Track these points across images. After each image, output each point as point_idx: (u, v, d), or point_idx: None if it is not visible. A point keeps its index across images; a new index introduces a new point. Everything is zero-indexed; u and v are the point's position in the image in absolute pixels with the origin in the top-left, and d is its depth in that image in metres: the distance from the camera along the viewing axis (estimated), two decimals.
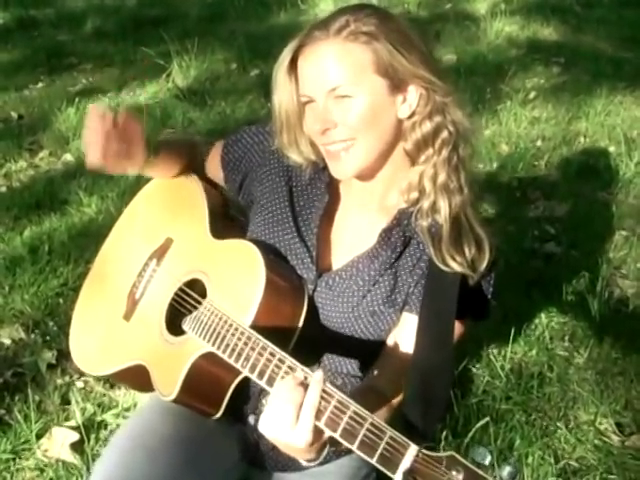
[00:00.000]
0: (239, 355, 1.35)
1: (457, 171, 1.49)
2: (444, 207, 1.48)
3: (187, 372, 1.46)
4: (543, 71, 4.99)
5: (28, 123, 4.42)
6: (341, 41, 1.42)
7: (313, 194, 1.62)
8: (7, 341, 2.70)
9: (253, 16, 6.10)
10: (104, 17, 5.93)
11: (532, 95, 4.60)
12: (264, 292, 1.44)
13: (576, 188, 3.62)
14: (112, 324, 1.74)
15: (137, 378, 1.62)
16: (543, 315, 2.72)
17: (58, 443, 2.24)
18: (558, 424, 2.27)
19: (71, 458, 2.20)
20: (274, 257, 1.55)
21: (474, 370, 2.47)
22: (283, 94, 1.51)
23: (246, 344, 1.35)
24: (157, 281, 1.70)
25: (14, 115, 4.51)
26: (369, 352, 1.57)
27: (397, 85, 1.45)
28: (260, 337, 1.34)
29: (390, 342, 1.56)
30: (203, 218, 1.70)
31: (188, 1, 6.43)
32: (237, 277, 1.51)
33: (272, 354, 1.31)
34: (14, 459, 2.23)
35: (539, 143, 4.07)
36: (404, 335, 1.53)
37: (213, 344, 1.41)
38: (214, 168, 1.79)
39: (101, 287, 1.86)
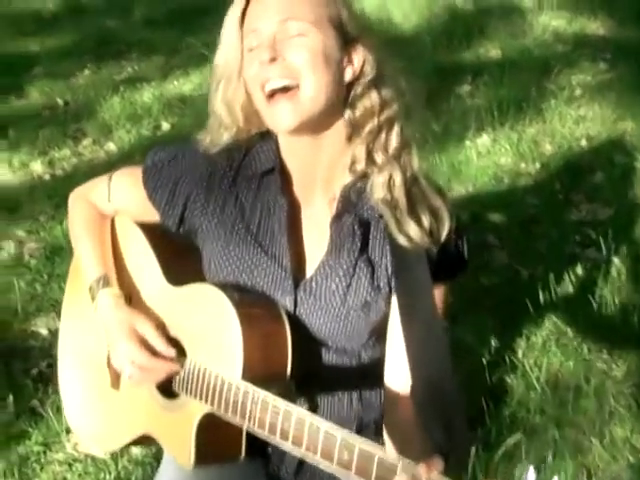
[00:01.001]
0: (243, 413, 1.31)
1: (408, 143, 1.43)
2: (399, 179, 1.41)
3: (196, 438, 1.41)
4: (589, 67, 4.88)
5: (73, 110, 4.46)
6: None
7: (267, 203, 1.49)
8: (44, 331, 2.73)
9: None
10: (152, 5, 5.94)
11: (577, 93, 4.50)
12: (243, 335, 1.35)
13: (620, 191, 3.54)
14: (103, 396, 1.65)
15: (150, 442, 1.59)
16: (582, 324, 2.66)
17: None
18: (592, 440, 2.23)
19: (100, 454, 2.22)
20: (239, 293, 1.44)
21: (508, 380, 2.43)
22: (229, 41, 1.41)
23: (246, 400, 1.30)
24: None
25: (60, 102, 4.55)
26: (369, 348, 1.53)
27: (346, 44, 1.40)
28: (257, 389, 1.29)
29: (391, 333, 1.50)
30: (154, 265, 1.57)
31: None
32: (209, 326, 1.42)
33: (275, 406, 1.26)
34: (44, 451, 2.27)
35: (583, 143, 3.99)
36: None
37: (212, 404, 1.37)
38: (136, 203, 1.60)
39: (77, 358, 1.76)
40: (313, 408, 1.51)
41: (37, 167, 3.82)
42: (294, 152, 1.48)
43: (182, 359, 1.46)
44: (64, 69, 4.96)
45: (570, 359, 2.52)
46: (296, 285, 1.47)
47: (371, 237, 1.47)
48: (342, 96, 1.42)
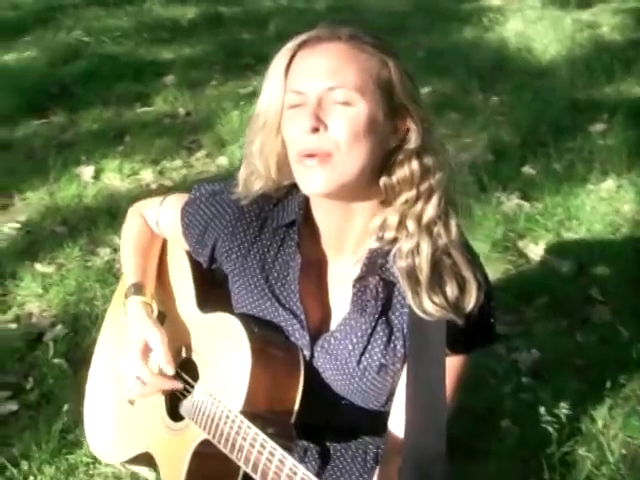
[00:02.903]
0: (233, 446, 1.30)
1: (446, 213, 1.38)
2: (426, 249, 1.36)
3: (189, 464, 1.42)
4: None
5: (193, 121, 4.52)
6: (351, 46, 1.35)
7: (286, 256, 1.49)
8: None
9: (437, 30, 5.95)
10: (289, 19, 5.96)
11: None
12: (252, 370, 1.36)
13: None
14: (119, 409, 1.69)
15: (151, 462, 1.59)
16: None
17: None
18: None
19: (145, 472, 2.19)
20: (261, 329, 1.45)
21: (580, 452, 2.24)
22: (273, 92, 1.37)
23: (238, 433, 1.31)
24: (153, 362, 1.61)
25: (182, 112, 4.62)
26: (381, 411, 1.49)
27: (392, 111, 1.35)
28: (251, 425, 1.29)
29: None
30: (190, 289, 1.63)
31: (375, 9, 6.36)
32: (224, 356, 1.44)
33: (263, 445, 1.24)
34: (93, 463, 2.26)
35: None
36: None
37: (209, 432, 1.36)
38: (176, 235, 1.67)
39: (105, 369, 1.84)
40: (324, 459, 1.53)
41: (147, 175, 3.88)
42: (323, 211, 1.45)
43: (191, 383, 1.51)
44: (193, 79, 5.03)
45: None
46: (315, 339, 1.47)
47: (394, 299, 1.43)
48: (381, 163, 1.37)
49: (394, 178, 1.38)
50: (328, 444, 1.56)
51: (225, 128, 4.35)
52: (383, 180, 1.39)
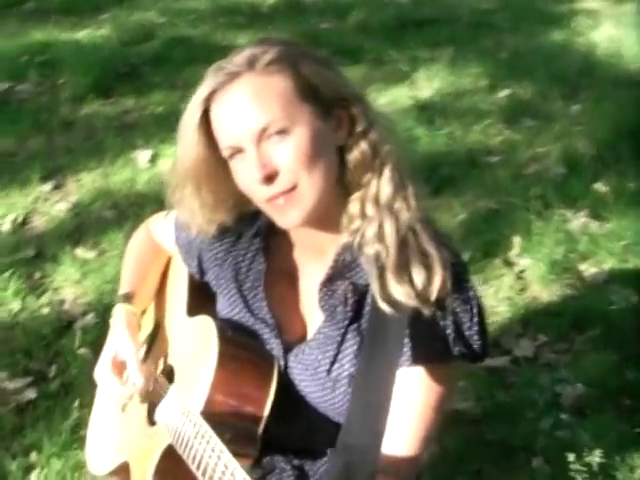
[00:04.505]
0: (190, 450, 1.27)
1: (403, 185, 1.31)
2: (389, 228, 1.28)
3: (155, 469, 1.37)
4: None
5: None
6: (256, 75, 1.27)
7: (254, 262, 1.46)
8: None
9: (523, 31, 5.70)
10: (370, 11, 5.81)
11: None
12: (217, 369, 1.32)
13: None
14: (112, 416, 1.66)
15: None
16: None
17: None
18: None
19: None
20: (236, 334, 1.42)
21: None
22: (193, 152, 1.32)
23: (196, 437, 1.26)
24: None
25: None
26: None
27: (327, 110, 1.30)
28: (205, 425, 1.25)
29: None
30: (183, 298, 1.62)
31: (463, 5, 6.16)
32: (194, 355, 1.42)
33: (219, 456, 1.20)
34: None
35: None
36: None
37: (171, 435, 1.35)
38: (171, 245, 1.67)
39: None
40: (298, 470, 1.46)
41: None
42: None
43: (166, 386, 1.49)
44: None
45: None
46: (290, 348, 1.42)
47: (366, 306, 1.34)
48: (336, 164, 1.31)
49: (350, 167, 1.33)
50: (306, 465, 1.47)
51: None
52: (342, 175, 1.34)
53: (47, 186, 3.58)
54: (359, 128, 1.31)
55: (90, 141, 3.97)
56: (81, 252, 3.11)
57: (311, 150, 1.27)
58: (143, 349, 1.63)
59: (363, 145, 1.31)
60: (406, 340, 1.30)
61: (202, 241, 1.52)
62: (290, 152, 1.26)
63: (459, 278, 1.31)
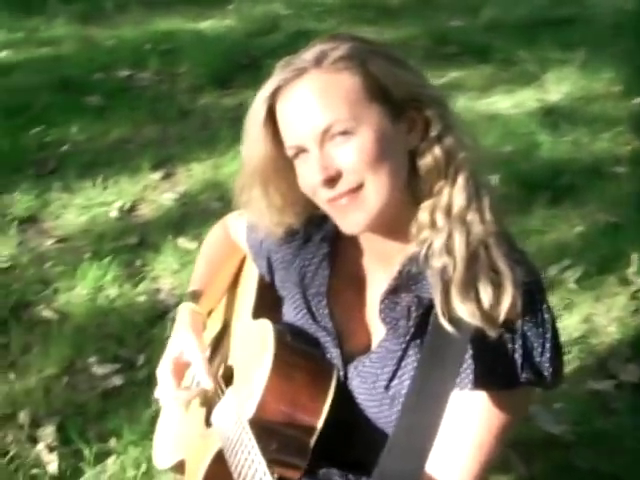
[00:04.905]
0: (234, 457, 1.24)
1: (478, 196, 1.23)
2: (459, 240, 1.20)
3: (205, 472, 1.34)
4: None
5: None
6: (323, 72, 1.21)
7: (320, 267, 1.41)
8: None
9: None
10: (502, 9, 5.62)
11: None
12: (270, 375, 1.28)
13: None
14: (177, 413, 1.64)
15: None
16: None
17: None
18: None
19: None
20: (296, 340, 1.37)
21: None
22: (260, 150, 1.28)
23: (240, 445, 1.23)
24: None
25: None
26: None
27: (398, 112, 1.23)
28: (253, 439, 1.20)
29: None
30: (251, 299, 1.59)
31: (604, 4, 5.86)
32: (251, 359, 1.38)
33: (257, 468, 1.16)
34: None
35: None
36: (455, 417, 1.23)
37: (222, 440, 1.31)
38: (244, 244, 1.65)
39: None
40: None
41: None
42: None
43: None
44: None
45: None
46: (350, 360, 1.37)
47: (430, 320, 1.24)
48: (407, 168, 1.26)
49: (421, 174, 1.26)
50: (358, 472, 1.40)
51: None
52: (413, 181, 1.27)
53: (157, 175, 3.62)
54: (433, 132, 1.24)
55: (204, 132, 4.00)
56: (182, 242, 3.13)
57: (376, 153, 1.21)
58: (208, 351, 1.60)
59: (437, 150, 1.24)
60: (469, 362, 1.23)
61: (271, 242, 1.49)
62: (353, 154, 1.20)
63: (533, 299, 1.22)
